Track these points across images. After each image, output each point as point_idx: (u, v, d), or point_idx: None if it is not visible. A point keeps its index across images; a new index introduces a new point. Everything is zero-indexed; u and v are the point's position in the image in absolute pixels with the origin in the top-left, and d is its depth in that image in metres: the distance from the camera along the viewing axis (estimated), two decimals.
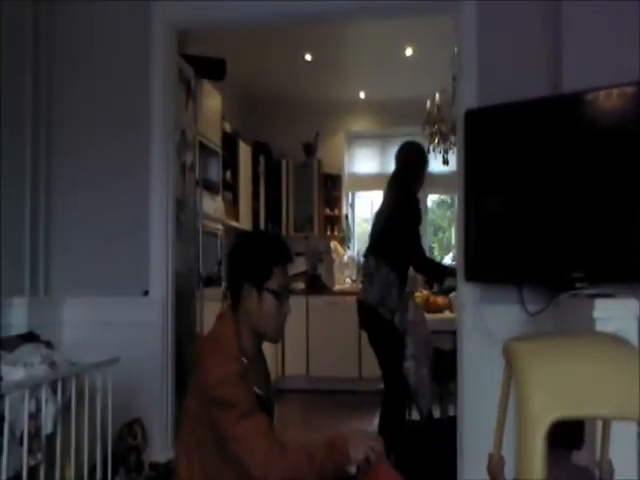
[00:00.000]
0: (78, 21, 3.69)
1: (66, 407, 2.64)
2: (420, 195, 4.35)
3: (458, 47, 3.36)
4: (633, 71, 2.55)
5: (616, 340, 1.52)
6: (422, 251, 4.16)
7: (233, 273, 2.12)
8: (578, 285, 2.44)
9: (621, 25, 2.78)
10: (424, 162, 4.26)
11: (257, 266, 2.06)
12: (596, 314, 2.05)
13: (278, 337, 2.14)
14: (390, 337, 3.88)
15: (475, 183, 3.01)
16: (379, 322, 3.92)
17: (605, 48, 2.79)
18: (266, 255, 2.08)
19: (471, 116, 3.08)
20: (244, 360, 1.99)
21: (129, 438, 3.28)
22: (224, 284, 5.73)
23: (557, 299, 2.54)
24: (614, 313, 2.05)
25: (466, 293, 3.18)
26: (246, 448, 1.85)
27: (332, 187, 7.61)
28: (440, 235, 8.49)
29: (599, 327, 2.02)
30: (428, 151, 5.86)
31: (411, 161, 4.20)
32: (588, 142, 2.64)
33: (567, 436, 1.78)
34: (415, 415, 4.17)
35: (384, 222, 4.11)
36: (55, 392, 2.57)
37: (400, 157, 4.22)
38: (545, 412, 1.32)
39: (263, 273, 2.05)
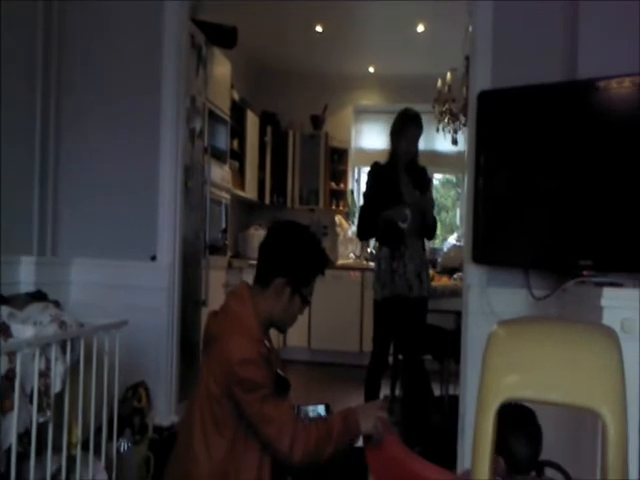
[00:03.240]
0: None
1: (74, 367, 2.68)
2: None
3: (472, 28, 3.35)
4: None
5: (597, 330, 1.56)
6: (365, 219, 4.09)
7: (273, 264, 2.13)
8: (586, 273, 2.46)
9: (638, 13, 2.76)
10: (399, 121, 4.09)
11: (303, 274, 2.11)
12: (603, 302, 2.06)
13: (287, 330, 2.24)
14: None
15: (485, 165, 3.02)
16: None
17: (621, 34, 2.78)
18: (315, 266, 2.13)
19: (484, 97, 3.08)
20: (267, 344, 2.06)
21: (134, 400, 3.32)
22: (229, 253, 5.77)
23: (564, 285, 2.56)
24: (622, 302, 2.05)
25: (473, 275, 3.19)
26: (274, 427, 1.93)
27: (338, 161, 7.61)
28: (444, 215, 8.50)
29: (606, 316, 2.04)
30: (437, 130, 5.85)
31: (393, 126, 4.11)
32: (601, 130, 2.65)
33: None
34: None
35: None
36: (64, 352, 2.61)
37: None
38: (495, 393, 1.39)
39: (304, 280, 2.11)
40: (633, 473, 1.60)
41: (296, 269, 2.10)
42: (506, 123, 2.99)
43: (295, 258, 2.11)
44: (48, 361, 2.53)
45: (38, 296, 3.02)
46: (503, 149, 2.98)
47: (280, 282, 2.08)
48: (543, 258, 2.78)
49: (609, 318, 2.01)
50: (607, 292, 2.08)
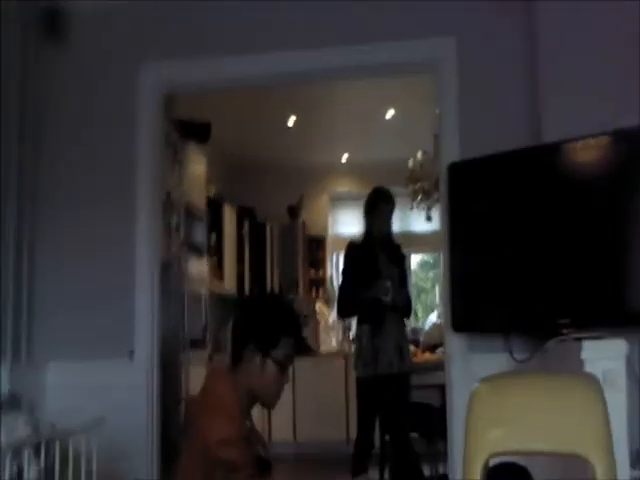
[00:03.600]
0: (65, 84, 3.72)
1: (49, 471, 2.56)
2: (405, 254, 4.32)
3: (439, 103, 3.44)
4: (609, 119, 2.61)
5: (578, 378, 1.56)
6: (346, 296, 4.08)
7: (239, 333, 2.10)
8: (565, 331, 2.44)
9: (597, 78, 2.89)
10: (371, 199, 4.14)
11: (266, 333, 2.05)
12: (584, 355, 2.04)
13: (274, 404, 2.12)
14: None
15: (460, 235, 3.04)
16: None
17: (582, 100, 2.88)
18: (277, 324, 2.07)
19: (454, 169, 3.13)
20: (247, 423, 1.98)
21: None
22: (209, 348, 5.67)
23: (545, 346, 2.53)
24: (602, 354, 2.04)
25: (453, 343, 3.17)
26: None
27: (316, 249, 7.65)
28: (423, 297, 8.51)
29: (588, 368, 2.01)
30: (411, 208, 5.93)
31: (365, 205, 4.15)
32: (568, 191, 2.68)
33: None
34: None
35: None
36: (38, 455, 2.50)
37: None
38: (480, 448, 1.36)
39: (271, 341, 2.04)
40: None
41: (259, 330, 2.05)
42: (476, 191, 3.03)
43: (255, 319, 2.09)
44: (21, 466, 2.42)
45: (12, 402, 2.93)
46: (476, 217, 2.99)
47: (249, 350, 2.03)
48: (522, 321, 2.76)
49: (590, 371, 1.97)
50: (587, 345, 2.07)
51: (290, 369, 2.14)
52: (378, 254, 3.97)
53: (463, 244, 3.02)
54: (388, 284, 3.83)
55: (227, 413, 1.94)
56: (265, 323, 2.06)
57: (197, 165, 5.43)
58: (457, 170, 3.12)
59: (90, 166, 3.69)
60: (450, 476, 3.15)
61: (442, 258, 3.30)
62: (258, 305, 2.22)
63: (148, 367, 3.52)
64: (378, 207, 4.03)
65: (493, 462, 1.63)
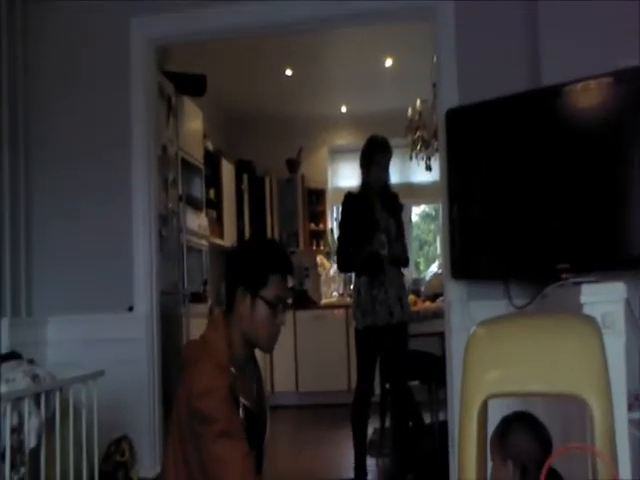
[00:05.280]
0: (56, 37, 3.68)
1: (50, 421, 2.58)
2: (405, 207, 4.25)
3: (437, 50, 3.37)
4: (608, 63, 2.56)
5: (575, 318, 1.56)
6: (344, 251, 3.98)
7: (229, 275, 2.05)
8: (564, 276, 2.42)
9: (596, 21, 2.83)
10: (367, 149, 3.97)
11: (252, 271, 1.99)
12: (583, 299, 2.02)
13: (270, 347, 2.06)
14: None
15: (458, 181, 3.01)
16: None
17: (581, 42, 2.83)
18: (263, 261, 2.01)
19: (452, 115, 3.09)
20: (232, 370, 1.92)
21: (117, 455, 3.22)
22: (210, 302, 5.69)
23: (544, 291, 2.52)
24: (601, 297, 2.02)
25: (453, 291, 3.16)
26: (222, 468, 1.79)
27: (316, 202, 7.60)
28: (426, 249, 8.47)
29: (587, 312, 1.99)
30: (410, 158, 5.86)
31: (361, 155, 4.00)
32: (568, 135, 2.63)
33: None
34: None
35: None
36: (38, 406, 2.52)
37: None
38: (478, 390, 1.37)
39: (258, 280, 1.98)
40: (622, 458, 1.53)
41: (244, 269, 2.00)
42: (475, 137, 2.99)
43: (240, 258, 2.06)
44: (21, 416, 2.44)
45: (12, 356, 2.94)
46: (474, 163, 2.96)
47: (239, 292, 1.98)
48: (521, 267, 2.75)
49: (589, 314, 1.95)
50: (585, 288, 2.04)
51: (288, 314, 2.12)
52: (375, 204, 3.90)
53: (462, 191, 2.99)
54: (383, 237, 3.78)
55: (215, 361, 1.90)
56: (251, 262, 2.01)
57: (193, 119, 5.36)
58: (455, 116, 3.07)
59: (84, 120, 3.67)
60: (449, 422, 3.17)
61: (441, 206, 3.26)
62: (244, 246, 2.24)
63: (148, 320, 3.55)
64: (374, 156, 3.93)
65: (506, 414, 1.64)
